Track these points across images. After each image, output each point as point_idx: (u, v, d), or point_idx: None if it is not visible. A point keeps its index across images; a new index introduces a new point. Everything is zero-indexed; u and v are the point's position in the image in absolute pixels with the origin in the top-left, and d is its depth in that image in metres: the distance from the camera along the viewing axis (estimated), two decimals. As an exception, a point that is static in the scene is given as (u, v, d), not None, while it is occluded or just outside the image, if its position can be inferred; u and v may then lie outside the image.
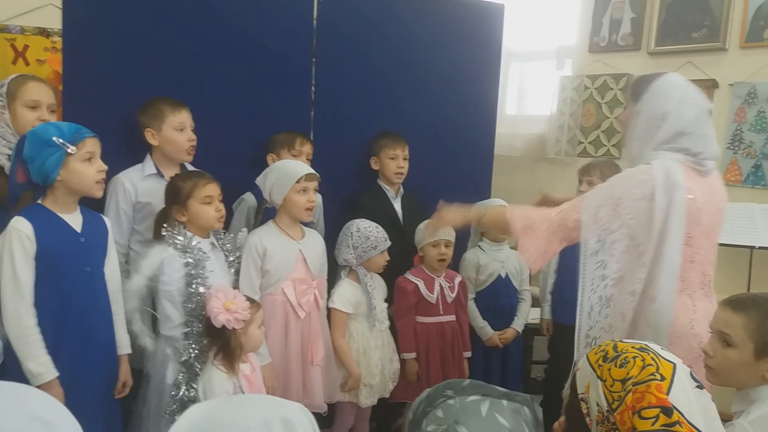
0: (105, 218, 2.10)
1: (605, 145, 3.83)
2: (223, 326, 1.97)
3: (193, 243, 2.11)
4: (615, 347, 1.11)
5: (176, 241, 2.08)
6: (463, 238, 2.98)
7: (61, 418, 0.82)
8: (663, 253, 1.81)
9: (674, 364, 1.07)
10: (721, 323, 1.54)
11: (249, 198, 2.58)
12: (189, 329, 2.06)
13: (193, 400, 2.00)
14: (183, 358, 2.05)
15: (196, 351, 2.05)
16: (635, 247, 1.84)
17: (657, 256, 1.82)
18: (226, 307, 1.98)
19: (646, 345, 1.11)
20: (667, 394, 1.02)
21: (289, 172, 2.33)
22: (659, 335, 1.79)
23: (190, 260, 2.07)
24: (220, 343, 1.99)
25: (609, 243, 1.86)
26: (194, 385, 2.02)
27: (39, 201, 1.90)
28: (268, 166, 2.58)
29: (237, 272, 2.29)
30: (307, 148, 2.65)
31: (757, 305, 1.50)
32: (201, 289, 2.06)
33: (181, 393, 2.02)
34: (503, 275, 2.98)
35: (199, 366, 2.05)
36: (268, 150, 2.63)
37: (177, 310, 2.07)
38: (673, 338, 1.82)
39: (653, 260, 1.82)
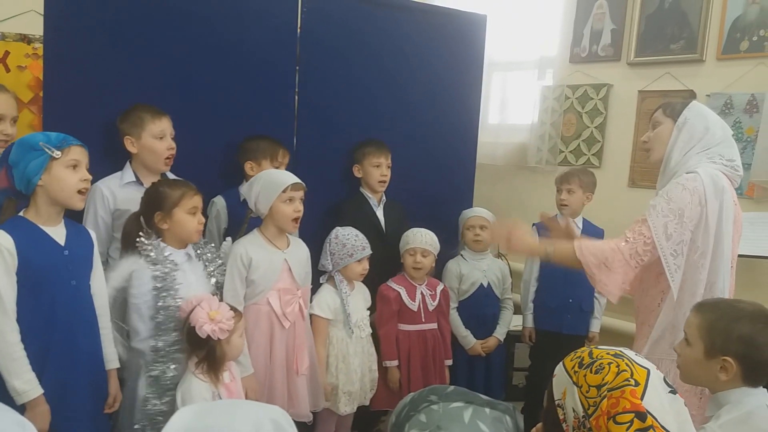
0: (91, 231, 2.06)
1: (585, 154, 3.88)
2: (208, 336, 1.96)
3: (165, 254, 2.07)
4: (591, 354, 1.13)
5: (148, 254, 2.05)
6: (447, 247, 3.00)
7: None
8: (719, 253, 1.99)
9: (648, 370, 1.09)
10: (686, 323, 1.63)
11: (219, 201, 2.55)
12: (155, 343, 2.02)
13: (162, 413, 2.00)
14: (153, 373, 2.02)
15: (166, 366, 2.02)
16: (696, 250, 2.00)
17: (715, 257, 2.00)
18: (210, 317, 1.96)
19: (620, 351, 1.13)
20: (641, 399, 1.04)
21: (276, 181, 2.32)
22: None
23: (159, 273, 2.03)
24: (204, 353, 1.98)
25: (684, 253, 2.01)
26: (163, 399, 2.00)
27: (21, 213, 1.86)
28: (245, 172, 2.57)
29: (218, 282, 2.26)
30: (287, 160, 2.64)
31: (716, 309, 1.58)
32: (170, 302, 2.03)
33: (148, 407, 2.00)
34: (485, 284, 3.00)
35: (168, 381, 2.02)
36: (247, 157, 2.58)
37: (144, 324, 2.03)
38: None
39: (712, 261, 2.00)
